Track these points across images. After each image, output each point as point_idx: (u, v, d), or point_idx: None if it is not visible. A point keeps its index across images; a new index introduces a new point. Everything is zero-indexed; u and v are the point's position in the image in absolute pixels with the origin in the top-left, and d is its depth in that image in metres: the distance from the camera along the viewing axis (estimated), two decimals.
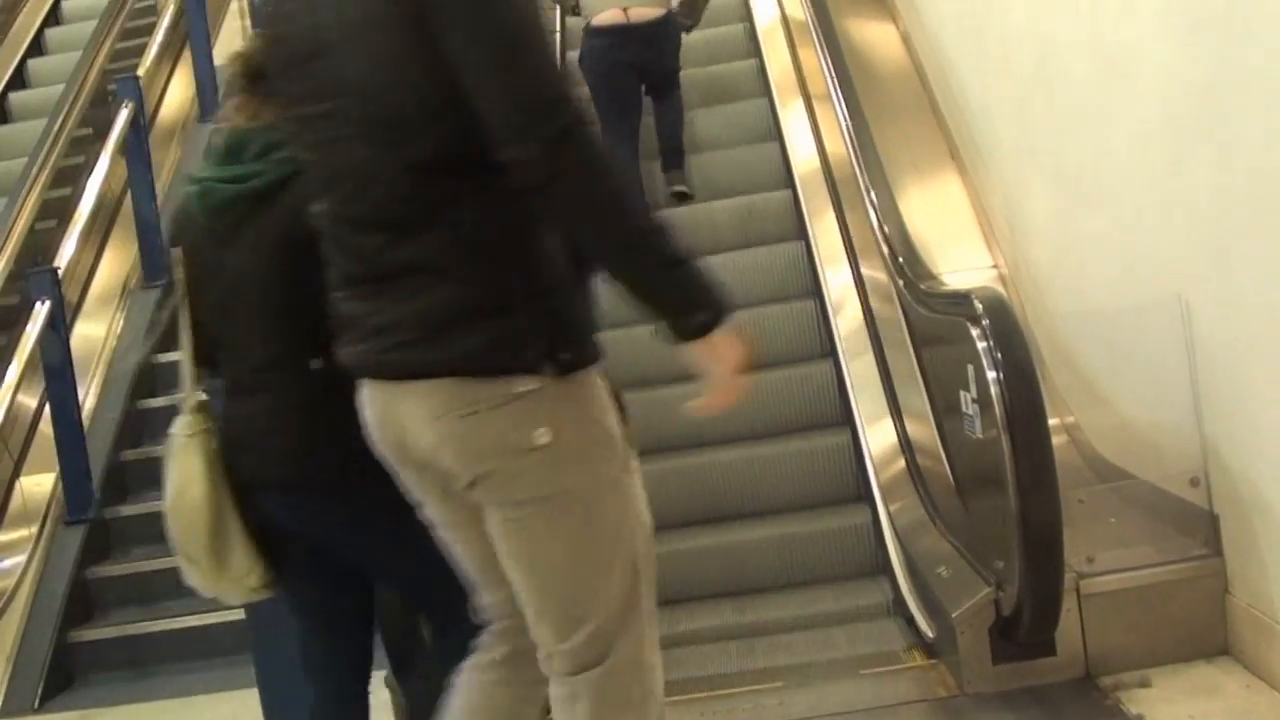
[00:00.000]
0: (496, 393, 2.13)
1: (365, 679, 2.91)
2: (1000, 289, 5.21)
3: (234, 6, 9.13)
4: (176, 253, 2.90)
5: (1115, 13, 4.02)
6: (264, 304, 2.73)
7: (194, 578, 2.84)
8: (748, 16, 8.13)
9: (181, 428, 2.79)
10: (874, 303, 5.37)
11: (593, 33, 7.00)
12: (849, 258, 5.79)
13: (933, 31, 6.26)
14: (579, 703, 2.27)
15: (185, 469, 2.76)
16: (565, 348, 2.17)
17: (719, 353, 2.13)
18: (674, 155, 7.20)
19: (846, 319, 5.52)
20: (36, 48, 9.35)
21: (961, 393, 3.79)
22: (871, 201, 5.40)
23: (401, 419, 2.23)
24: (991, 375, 3.43)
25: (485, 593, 2.46)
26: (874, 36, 6.89)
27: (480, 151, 2.08)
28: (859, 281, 5.55)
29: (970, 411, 3.74)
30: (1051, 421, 3.91)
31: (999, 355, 3.42)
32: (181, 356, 2.88)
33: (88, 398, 6.09)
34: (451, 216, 2.16)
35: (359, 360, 2.29)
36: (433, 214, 2.16)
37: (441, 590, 2.58)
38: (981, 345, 3.49)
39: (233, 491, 2.75)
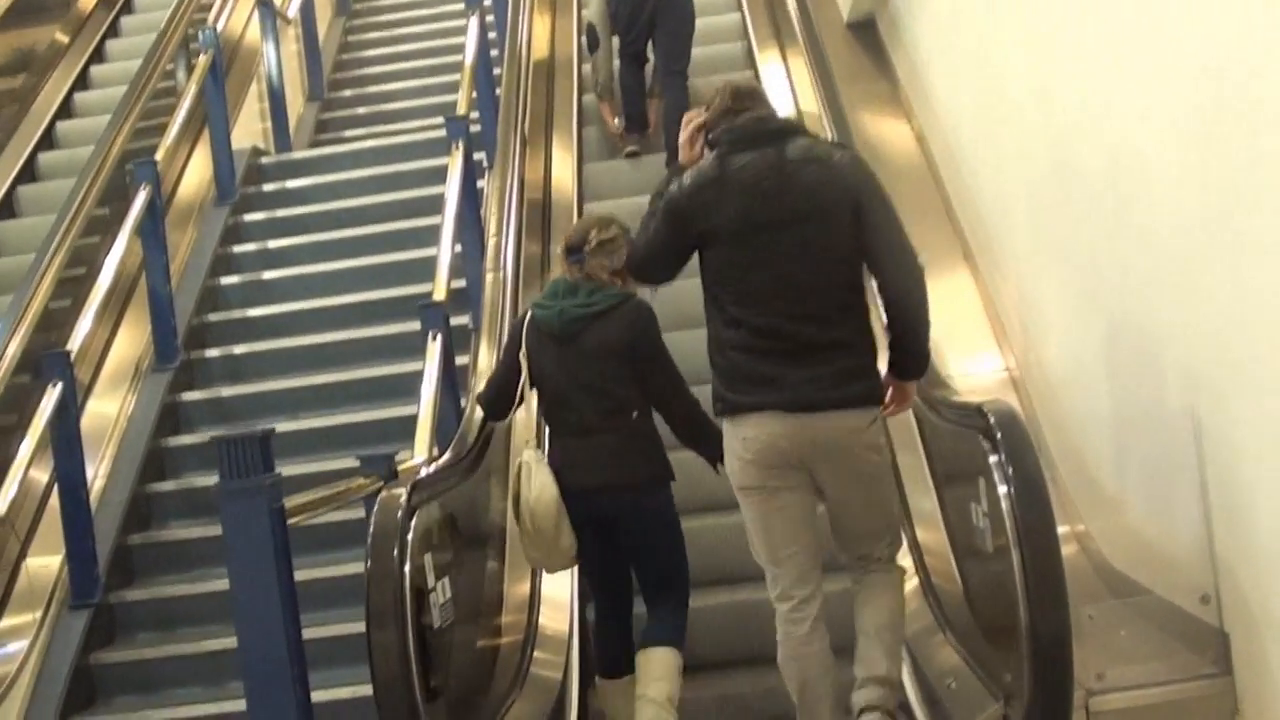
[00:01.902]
0: (872, 415, 3.86)
1: (626, 610, 4.60)
2: (1013, 395, 5.22)
3: (254, 89, 9.23)
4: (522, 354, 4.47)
5: (1128, 115, 4.04)
6: (601, 379, 4.35)
7: (535, 551, 4.40)
8: None
9: (532, 456, 4.38)
10: None
11: None
12: None
13: (948, 130, 6.31)
14: (894, 575, 4.02)
15: (542, 478, 4.29)
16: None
17: None
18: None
19: None
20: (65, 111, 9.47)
21: (972, 504, 3.78)
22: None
23: (818, 433, 3.75)
24: (1003, 490, 3.42)
25: (792, 554, 3.85)
26: (888, 133, 6.94)
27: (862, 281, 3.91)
28: None
29: (981, 524, 3.73)
30: (1061, 529, 3.91)
31: (1010, 470, 3.40)
32: (525, 415, 4.64)
33: (96, 479, 6.08)
34: (854, 316, 3.86)
35: (783, 400, 3.74)
36: (847, 313, 3.84)
37: (660, 574, 4.47)
38: (993, 459, 3.48)
39: (563, 494, 4.27)
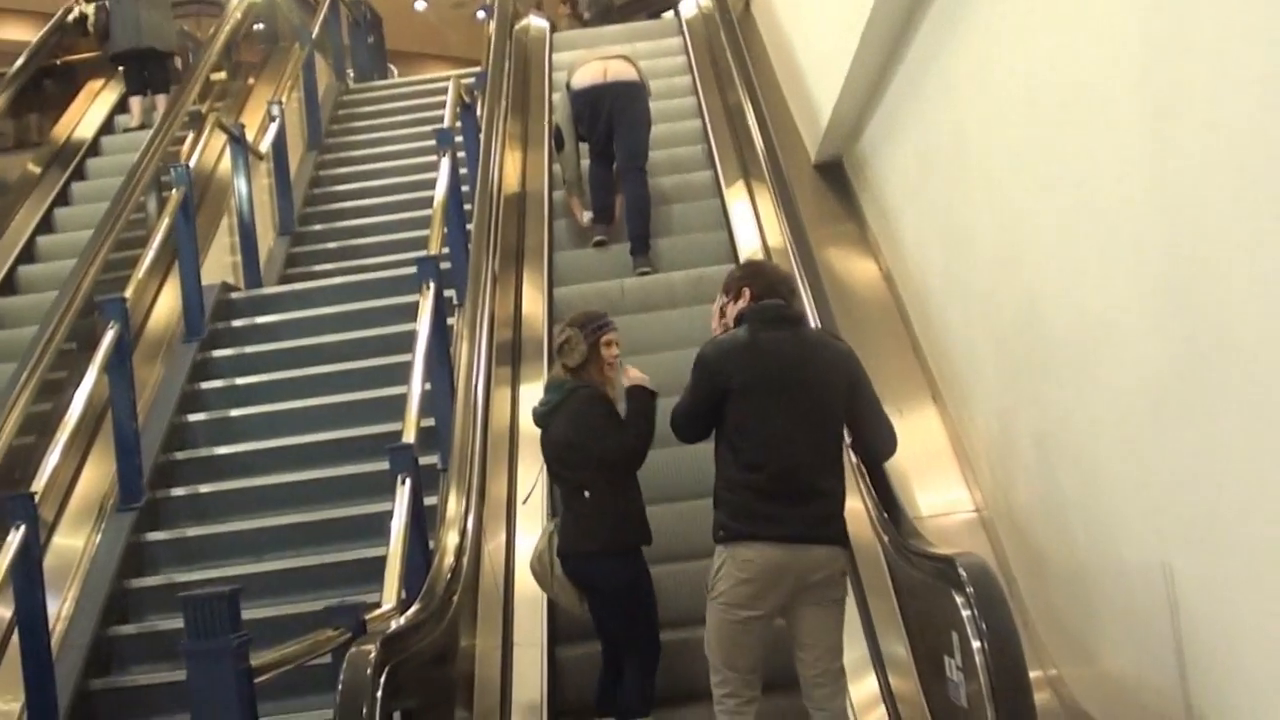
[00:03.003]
0: (843, 550, 4.52)
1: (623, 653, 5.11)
2: (982, 537, 5.24)
3: (224, 223, 9.26)
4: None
5: (1094, 277, 4.10)
6: (559, 465, 5.17)
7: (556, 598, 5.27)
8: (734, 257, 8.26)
9: (550, 526, 5.21)
10: (856, 551, 5.35)
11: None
12: None
13: (915, 274, 6.38)
14: (840, 685, 4.53)
15: (543, 543, 5.17)
16: None
17: None
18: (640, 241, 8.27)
19: None
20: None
21: (946, 657, 3.77)
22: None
23: (808, 562, 4.38)
24: (976, 645, 3.42)
25: (747, 664, 4.44)
26: (856, 272, 7.02)
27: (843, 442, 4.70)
28: None
29: (955, 678, 3.71)
30: (1034, 673, 3.89)
31: (983, 625, 3.41)
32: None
33: (58, 621, 5.99)
34: (839, 469, 4.57)
35: (781, 533, 4.36)
36: (835, 466, 4.55)
37: (632, 632, 5.04)
38: (966, 614, 3.47)
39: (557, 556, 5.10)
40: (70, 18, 11.99)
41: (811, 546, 4.39)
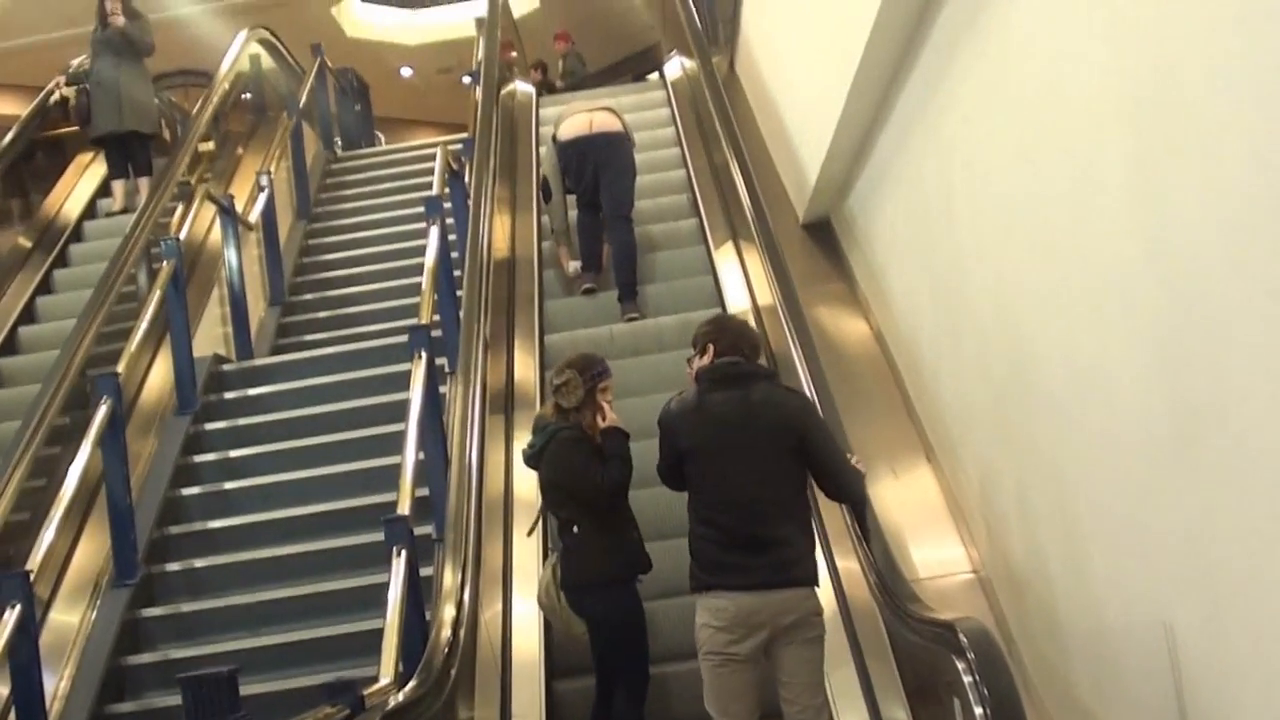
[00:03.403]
0: (814, 592, 4.69)
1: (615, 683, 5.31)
2: (980, 598, 5.23)
3: (215, 294, 9.27)
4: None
5: (1088, 331, 4.10)
6: (550, 505, 5.46)
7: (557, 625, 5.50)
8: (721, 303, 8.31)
9: (552, 559, 5.42)
10: (854, 615, 5.35)
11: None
12: (825, 556, 5.79)
13: (906, 331, 6.40)
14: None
15: (548, 576, 5.38)
16: None
17: None
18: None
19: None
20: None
21: None
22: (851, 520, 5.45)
23: (777, 605, 4.59)
24: (979, 711, 3.41)
25: (740, 709, 4.65)
26: (847, 331, 7.04)
27: (805, 492, 4.90)
28: (840, 594, 5.52)
29: None
30: None
31: (985, 691, 3.40)
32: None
33: (55, 700, 5.95)
34: (796, 518, 4.77)
35: (749, 581, 4.60)
36: (790, 517, 4.74)
37: (621, 661, 5.26)
38: (968, 680, 3.47)
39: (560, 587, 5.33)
40: (52, 100, 11.81)
41: (779, 590, 4.62)
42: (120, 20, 11.00)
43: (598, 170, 8.69)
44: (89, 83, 11.24)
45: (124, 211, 10.89)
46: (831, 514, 5.74)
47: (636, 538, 5.39)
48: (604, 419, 5.39)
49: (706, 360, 4.99)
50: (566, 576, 5.31)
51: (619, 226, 8.65)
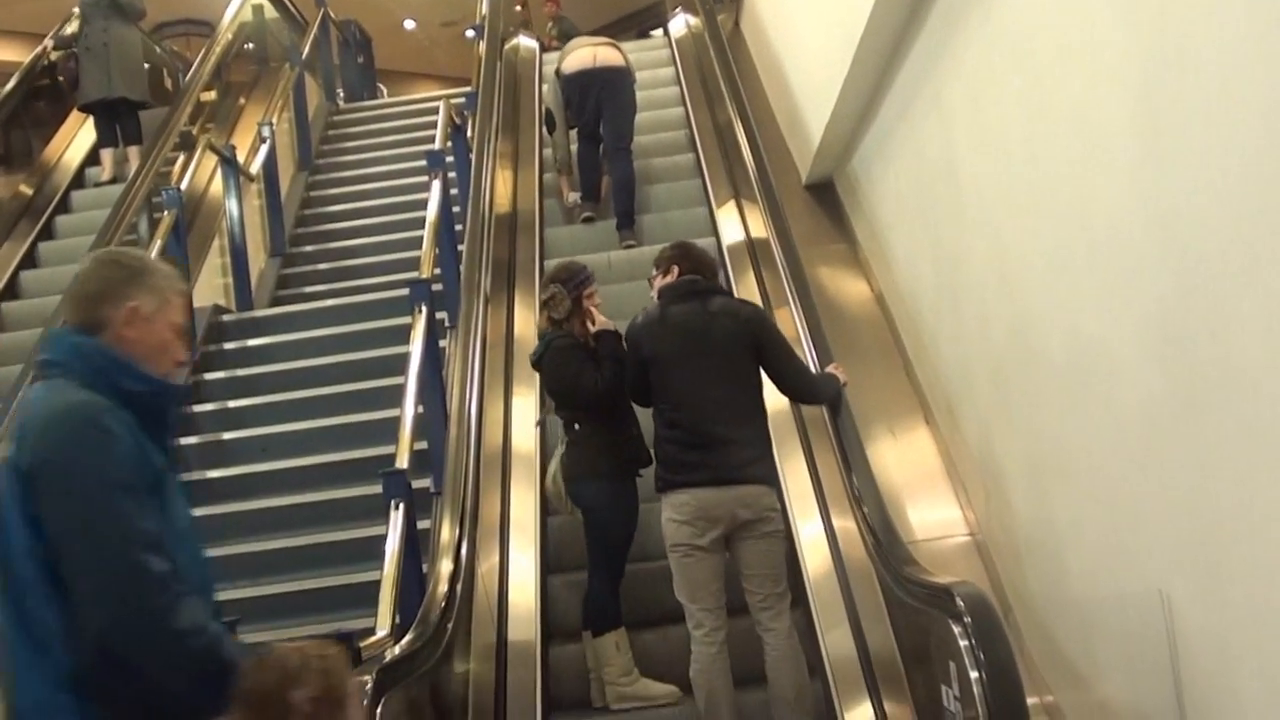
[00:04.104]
0: (770, 490, 5.11)
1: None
2: (977, 562, 5.24)
3: (216, 244, 9.25)
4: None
5: (1088, 298, 4.09)
6: (563, 393, 5.71)
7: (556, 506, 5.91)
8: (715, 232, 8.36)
9: (560, 450, 5.75)
10: (851, 577, 5.36)
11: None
12: (822, 514, 5.80)
13: (907, 295, 6.38)
14: (782, 607, 5.01)
15: (555, 465, 5.74)
16: None
17: None
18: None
19: (822, 591, 5.50)
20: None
21: (943, 687, 3.76)
22: (849, 480, 5.44)
23: (733, 499, 4.98)
24: (974, 675, 3.41)
25: (706, 596, 4.99)
26: (848, 292, 7.02)
27: (761, 398, 5.28)
28: (836, 553, 5.53)
29: (953, 708, 3.70)
30: (1030, 700, 3.89)
31: (981, 655, 3.40)
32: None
33: None
34: (753, 421, 5.20)
35: (707, 477, 4.99)
36: (748, 419, 5.17)
37: (604, 546, 5.62)
38: (964, 644, 3.47)
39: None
40: (40, 64, 11.51)
41: (735, 486, 5.01)
42: None
43: (600, 103, 8.99)
44: (78, 48, 10.94)
45: (112, 181, 10.70)
46: (830, 474, 5.75)
47: (636, 434, 5.72)
48: (594, 324, 5.70)
49: (671, 279, 5.42)
50: (568, 468, 5.67)
51: (619, 158, 8.95)
